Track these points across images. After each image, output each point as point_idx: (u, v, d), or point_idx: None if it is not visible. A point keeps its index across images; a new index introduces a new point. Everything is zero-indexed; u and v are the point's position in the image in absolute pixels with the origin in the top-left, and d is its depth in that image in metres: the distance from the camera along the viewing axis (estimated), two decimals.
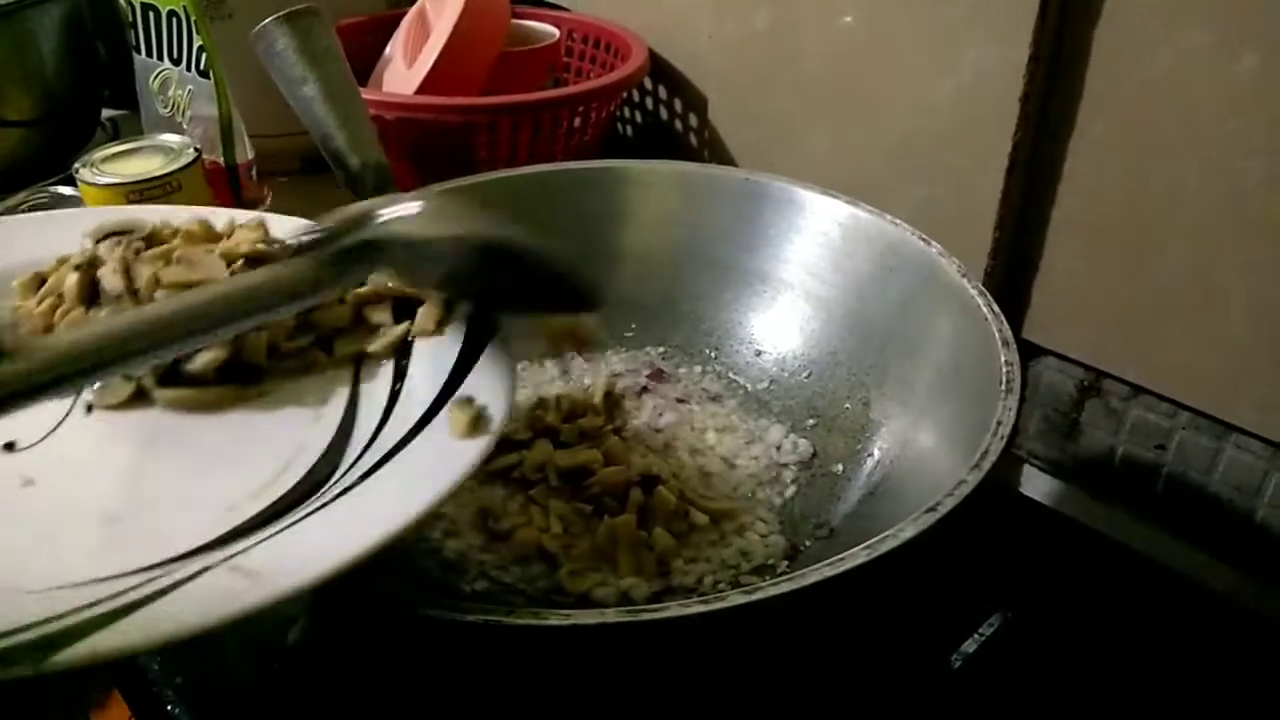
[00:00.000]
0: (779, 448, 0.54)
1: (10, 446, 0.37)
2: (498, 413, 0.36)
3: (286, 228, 0.46)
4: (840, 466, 0.52)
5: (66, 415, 0.39)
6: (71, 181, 0.60)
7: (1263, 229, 0.53)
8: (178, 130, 0.67)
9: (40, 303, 0.43)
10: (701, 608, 0.32)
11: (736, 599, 0.33)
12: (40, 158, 0.77)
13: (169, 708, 0.44)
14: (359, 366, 0.42)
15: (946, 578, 0.52)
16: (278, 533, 0.32)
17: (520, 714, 0.39)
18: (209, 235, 0.45)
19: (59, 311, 0.42)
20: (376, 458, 0.35)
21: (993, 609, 0.51)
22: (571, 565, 0.44)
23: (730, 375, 0.59)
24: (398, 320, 0.43)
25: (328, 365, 0.42)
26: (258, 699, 0.45)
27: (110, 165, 0.59)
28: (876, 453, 0.51)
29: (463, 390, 0.38)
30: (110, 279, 0.41)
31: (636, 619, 0.32)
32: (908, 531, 0.35)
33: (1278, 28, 0.50)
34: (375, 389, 0.40)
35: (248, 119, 0.67)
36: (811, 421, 0.55)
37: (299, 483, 0.35)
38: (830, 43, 0.68)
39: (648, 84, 0.85)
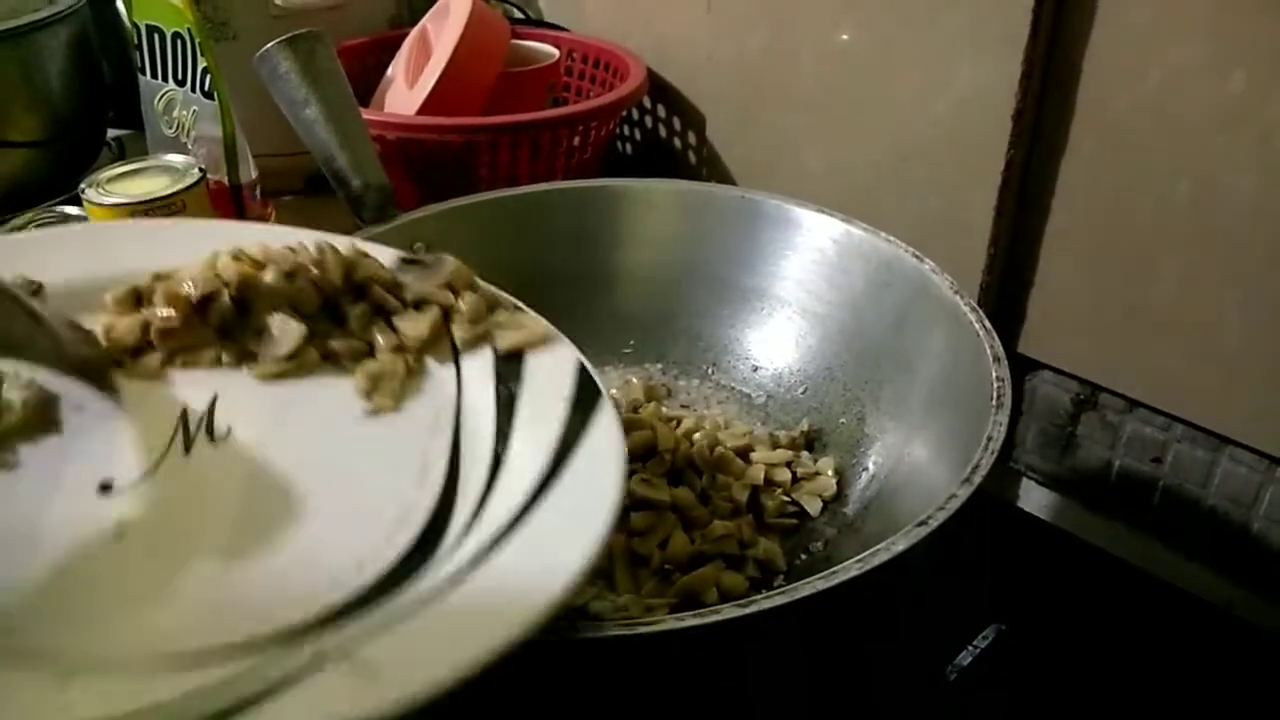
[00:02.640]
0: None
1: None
2: (604, 515, 0.33)
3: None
4: (835, 481, 0.52)
5: (166, 453, 0.37)
6: (78, 201, 0.61)
7: (1254, 243, 0.54)
8: (182, 150, 0.68)
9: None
10: (696, 621, 0.33)
11: (731, 612, 0.33)
12: (46, 178, 0.77)
13: None
14: (459, 413, 0.40)
15: (942, 590, 0.52)
16: (394, 623, 0.30)
17: None
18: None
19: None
20: (490, 531, 0.34)
21: (988, 621, 0.51)
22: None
23: (728, 391, 0.60)
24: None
25: (425, 396, 0.41)
26: None
27: (116, 185, 0.60)
28: (871, 467, 0.52)
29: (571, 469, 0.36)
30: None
31: (633, 633, 0.33)
32: (899, 545, 0.35)
33: (1266, 46, 0.51)
34: (477, 454, 0.38)
35: (251, 139, 0.68)
36: None
37: (407, 552, 0.34)
38: (826, 61, 0.69)
39: (647, 103, 0.86)
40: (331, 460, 0.38)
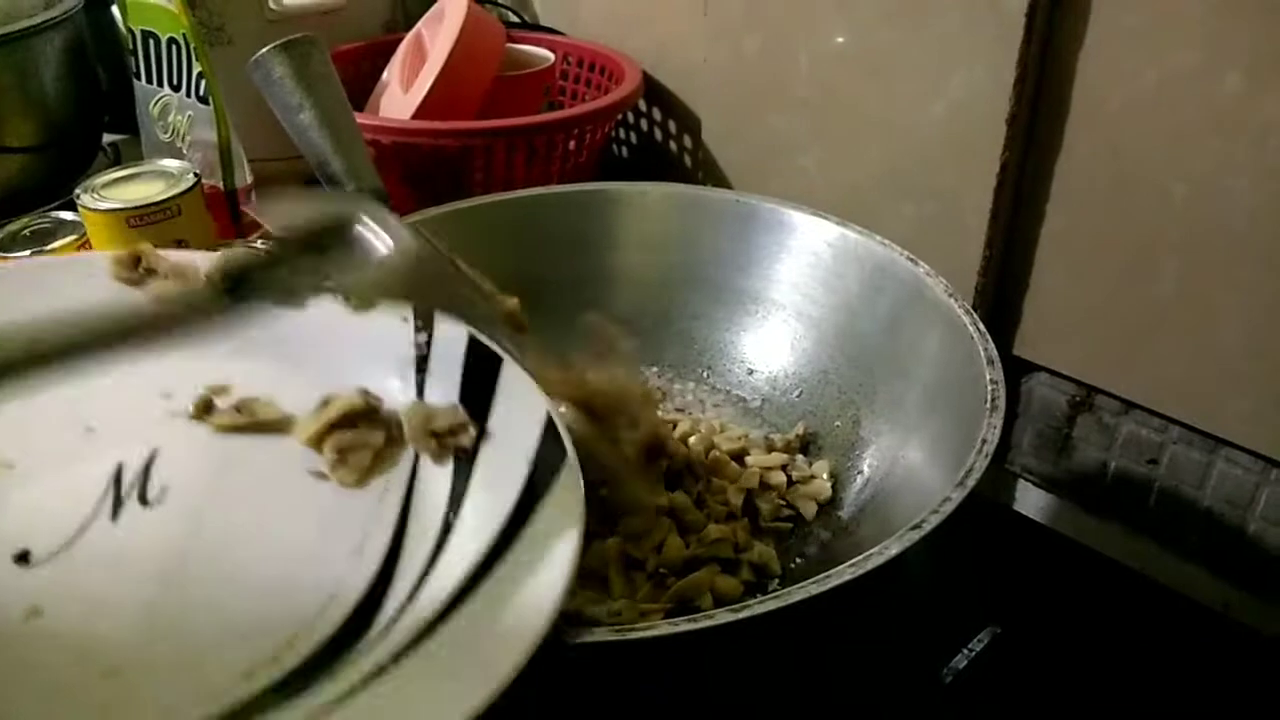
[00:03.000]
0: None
1: (24, 558, 0.34)
2: (551, 598, 0.30)
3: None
4: (830, 484, 0.52)
5: (91, 519, 0.36)
6: (72, 206, 0.61)
7: (1249, 245, 0.54)
8: (178, 155, 0.68)
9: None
10: (690, 626, 0.33)
11: (724, 617, 0.33)
12: (42, 183, 0.77)
13: None
14: (413, 476, 0.38)
15: (938, 593, 0.52)
16: None
17: None
18: None
19: None
20: (415, 624, 0.31)
21: (983, 624, 0.51)
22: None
23: (723, 394, 0.60)
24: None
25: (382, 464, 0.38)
26: None
27: (111, 190, 0.60)
28: (866, 470, 0.52)
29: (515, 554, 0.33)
30: None
31: (627, 637, 0.33)
32: (893, 549, 0.35)
33: (1260, 47, 0.51)
34: (426, 521, 0.36)
35: (247, 144, 0.68)
36: None
37: (326, 642, 0.32)
38: (821, 65, 0.69)
39: (642, 106, 0.86)
40: (268, 527, 0.36)
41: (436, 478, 0.38)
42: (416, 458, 0.39)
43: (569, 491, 0.34)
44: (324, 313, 0.40)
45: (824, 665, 0.47)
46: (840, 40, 0.67)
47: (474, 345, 0.41)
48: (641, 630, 0.33)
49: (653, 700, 0.39)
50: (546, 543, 0.33)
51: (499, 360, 0.40)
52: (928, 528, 0.36)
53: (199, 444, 0.39)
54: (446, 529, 0.35)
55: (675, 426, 0.55)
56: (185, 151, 0.68)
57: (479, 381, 0.40)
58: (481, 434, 0.38)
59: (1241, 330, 0.56)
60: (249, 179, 0.69)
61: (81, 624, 0.32)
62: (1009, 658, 0.50)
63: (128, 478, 0.37)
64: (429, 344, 0.41)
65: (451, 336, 0.41)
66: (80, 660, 0.31)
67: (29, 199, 0.74)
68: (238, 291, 0.32)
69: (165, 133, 0.70)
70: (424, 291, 0.37)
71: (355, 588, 0.34)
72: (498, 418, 0.38)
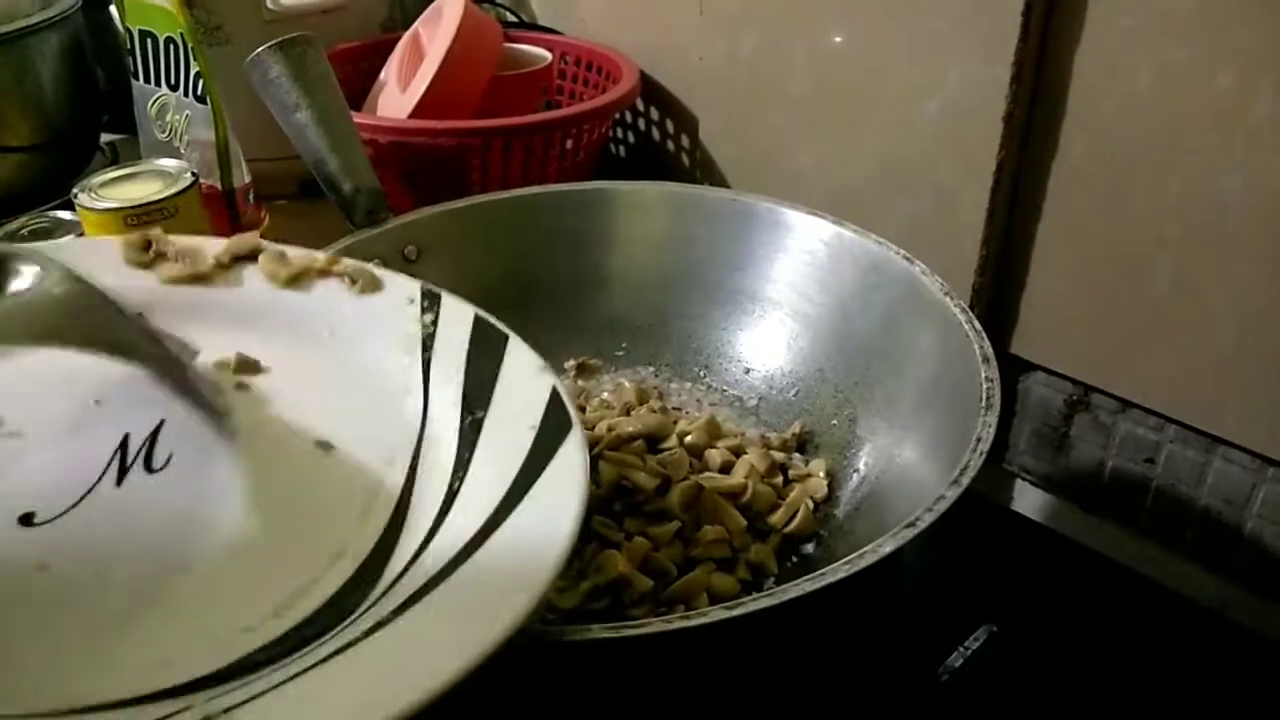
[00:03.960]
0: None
1: (29, 519, 0.34)
2: (552, 557, 0.31)
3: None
4: (826, 483, 0.52)
5: (96, 483, 0.36)
6: (70, 206, 0.61)
7: (1244, 242, 0.54)
8: (175, 155, 0.68)
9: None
10: (684, 623, 0.33)
11: (719, 614, 0.33)
12: (40, 183, 0.77)
13: None
14: (420, 445, 0.39)
15: (935, 591, 0.52)
16: (283, 683, 0.28)
17: None
18: None
19: None
20: (423, 576, 0.32)
21: (980, 623, 0.51)
22: (559, 581, 0.45)
23: (720, 393, 0.60)
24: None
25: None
26: None
27: (108, 190, 0.60)
28: (862, 468, 0.52)
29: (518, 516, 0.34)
30: None
31: (620, 635, 0.33)
32: (886, 547, 0.35)
33: (1253, 46, 0.51)
34: (431, 484, 0.37)
35: (245, 143, 0.68)
36: None
37: (329, 601, 0.32)
38: (818, 63, 0.69)
39: (639, 105, 0.86)
40: (273, 494, 0.37)
41: (443, 447, 0.39)
42: (423, 427, 0.40)
43: (573, 458, 0.35)
44: (330, 293, 0.45)
45: (819, 663, 0.47)
46: (836, 39, 0.67)
47: (479, 324, 0.42)
48: (636, 628, 0.33)
49: (648, 698, 0.39)
50: (550, 506, 0.34)
51: (505, 338, 0.42)
52: (922, 525, 0.36)
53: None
54: (452, 494, 0.36)
55: (676, 423, 0.54)
56: (183, 151, 0.69)
57: (485, 358, 0.41)
58: (487, 407, 0.39)
59: (1237, 328, 0.56)
60: (247, 178, 0.69)
61: (88, 577, 0.33)
62: (1005, 657, 0.50)
63: (134, 446, 0.38)
64: (435, 323, 0.43)
65: (457, 315, 0.43)
66: (86, 608, 0.32)
67: (27, 198, 0.74)
68: None
69: (163, 132, 0.70)
70: (68, 331, 0.38)
71: (363, 546, 0.35)
72: (502, 390, 0.40)
